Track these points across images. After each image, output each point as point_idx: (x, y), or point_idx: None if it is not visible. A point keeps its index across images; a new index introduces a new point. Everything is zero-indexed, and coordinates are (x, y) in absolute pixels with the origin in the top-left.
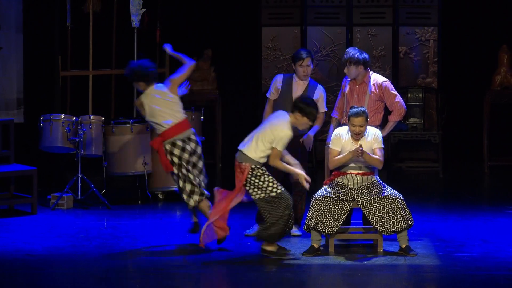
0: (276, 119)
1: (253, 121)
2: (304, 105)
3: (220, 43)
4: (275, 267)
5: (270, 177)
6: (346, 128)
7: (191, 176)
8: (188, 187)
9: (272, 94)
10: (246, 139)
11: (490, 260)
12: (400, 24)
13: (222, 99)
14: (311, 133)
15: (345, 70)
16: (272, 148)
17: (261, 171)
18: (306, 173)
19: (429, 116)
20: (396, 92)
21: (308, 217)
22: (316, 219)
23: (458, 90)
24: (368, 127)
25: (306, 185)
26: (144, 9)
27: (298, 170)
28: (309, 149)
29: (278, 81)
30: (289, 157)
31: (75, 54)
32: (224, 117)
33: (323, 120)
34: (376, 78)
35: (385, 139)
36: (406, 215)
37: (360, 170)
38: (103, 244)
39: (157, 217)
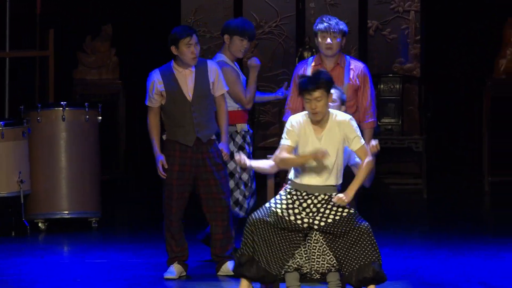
0: None
1: None
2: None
3: (124, 16)
4: None
5: None
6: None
7: None
8: None
9: (154, 101)
10: None
11: None
12: None
13: (127, 93)
14: (224, 137)
15: (326, 42)
16: None
17: None
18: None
19: (409, 115)
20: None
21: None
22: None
23: (448, 79)
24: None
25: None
26: None
27: None
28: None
29: (157, 81)
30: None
31: None
32: (129, 116)
33: (226, 109)
34: (355, 61)
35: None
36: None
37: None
38: None
39: (37, 255)
